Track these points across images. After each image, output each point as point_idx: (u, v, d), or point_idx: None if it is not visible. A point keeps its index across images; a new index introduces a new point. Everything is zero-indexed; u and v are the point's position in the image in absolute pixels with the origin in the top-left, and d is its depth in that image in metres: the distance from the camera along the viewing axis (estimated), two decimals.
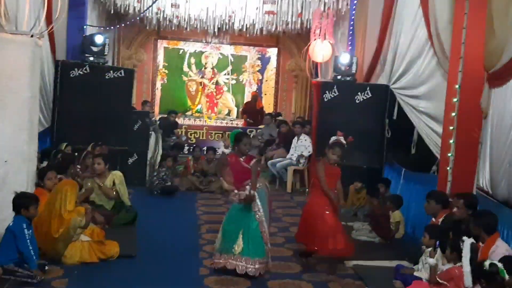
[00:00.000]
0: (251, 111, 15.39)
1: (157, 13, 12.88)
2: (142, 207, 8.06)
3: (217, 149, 11.79)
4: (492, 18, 5.43)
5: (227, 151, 5.96)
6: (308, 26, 12.51)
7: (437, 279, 4.78)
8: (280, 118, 13.95)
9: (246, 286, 5.48)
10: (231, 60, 16.32)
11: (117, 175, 7.47)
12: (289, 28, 13.08)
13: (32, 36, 6.02)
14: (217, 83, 16.37)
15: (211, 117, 16.14)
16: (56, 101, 9.26)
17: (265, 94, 16.42)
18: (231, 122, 15.97)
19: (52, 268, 5.48)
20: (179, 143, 12.58)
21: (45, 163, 7.31)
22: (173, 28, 13.98)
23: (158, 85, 16.11)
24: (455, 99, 6.18)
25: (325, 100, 9.70)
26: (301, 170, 10.88)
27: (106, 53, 9.88)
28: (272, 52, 16.39)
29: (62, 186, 5.91)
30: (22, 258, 5.19)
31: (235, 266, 5.69)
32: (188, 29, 13.70)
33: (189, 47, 16.15)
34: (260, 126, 13.99)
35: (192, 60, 16.21)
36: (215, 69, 16.36)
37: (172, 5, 12.64)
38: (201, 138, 14.27)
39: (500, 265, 4.05)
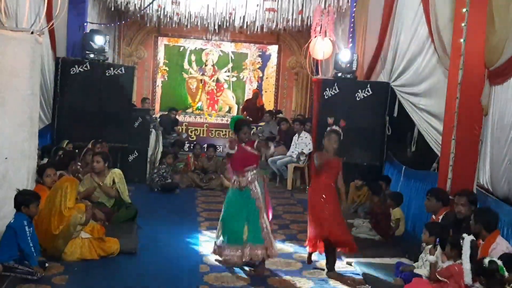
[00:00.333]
0: (252, 108, 15.36)
1: (157, 10, 12.85)
2: (142, 204, 8.07)
3: (217, 146, 11.78)
4: (492, 15, 5.43)
5: (232, 151, 5.93)
6: (309, 23, 12.48)
7: (437, 276, 4.78)
8: (280, 115, 13.95)
9: (246, 282, 5.49)
10: (231, 57, 16.29)
11: (116, 174, 7.47)
12: (290, 25, 13.04)
13: (32, 33, 6.01)
14: (217, 80, 16.35)
15: (212, 114, 16.12)
16: (57, 98, 9.28)
17: (266, 92, 16.40)
18: (233, 116, 15.93)
19: (52, 265, 5.50)
20: (179, 140, 12.58)
21: (45, 160, 7.32)
22: (173, 25, 13.95)
23: (159, 82, 16.10)
24: (455, 97, 6.17)
25: (326, 97, 9.71)
26: (301, 168, 10.88)
27: (106, 50, 9.89)
28: (273, 50, 16.37)
29: (62, 183, 5.91)
30: (22, 255, 5.19)
31: (242, 256, 5.73)
32: (188, 26, 13.67)
33: (190, 44, 16.12)
34: (260, 124, 13.98)
35: (193, 58, 16.18)
36: (215, 66, 16.33)
37: (172, 2, 12.61)
38: (201, 135, 14.26)
39: (499, 262, 4.05)
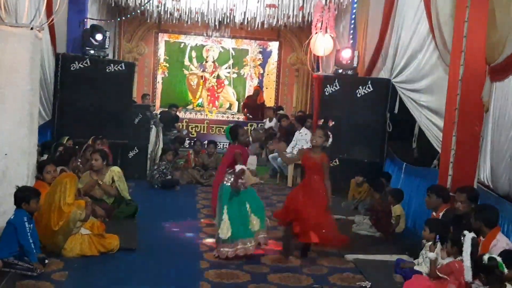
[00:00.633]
0: (252, 105, 15.36)
1: (158, 6, 12.85)
2: (142, 200, 8.06)
3: (218, 143, 11.77)
4: (494, 12, 5.41)
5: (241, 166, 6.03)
6: (310, 20, 12.48)
7: (437, 273, 4.77)
8: (281, 112, 13.95)
9: (246, 279, 5.48)
10: (232, 53, 16.28)
11: (115, 172, 7.46)
12: (291, 21, 13.04)
13: (32, 28, 6.00)
14: (218, 77, 16.34)
15: (212, 111, 16.12)
16: (57, 94, 9.26)
17: (266, 88, 16.39)
18: (232, 116, 15.94)
19: (52, 261, 5.48)
20: (180, 136, 12.58)
21: (45, 157, 7.31)
22: (174, 22, 13.95)
23: (159, 78, 16.09)
24: (456, 93, 6.15)
25: (326, 94, 9.71)
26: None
27: (106, 46, 9.87)
28: (273, 46, 16.35)
29: (61, 179, 5.90)
30: (22, 252, 5.19)
31: (250, 248, 5.96)
32: (189, 23, 13.67)
33: (190, 40, 16.11)
34: (264, 120, 14.00)
35: (193, 54, 16.17)
36: (216, 62, 16.32)
37: None
38: (202, 132, 14.26)
39: (499, 259, 4.04)
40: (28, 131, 6.03)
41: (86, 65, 9.39)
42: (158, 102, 15.84)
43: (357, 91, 9.41)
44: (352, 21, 11.02)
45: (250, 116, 14.98)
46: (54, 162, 6.71)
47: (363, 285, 5.46)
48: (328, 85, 9.66)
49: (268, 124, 13.31)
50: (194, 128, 14.32)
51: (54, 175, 6.32)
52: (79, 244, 5.78)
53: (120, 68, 9.71)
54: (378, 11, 9.45)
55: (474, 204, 5.35)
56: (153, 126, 10.83)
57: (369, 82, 9.42)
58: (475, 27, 5.85)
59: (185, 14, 13.13)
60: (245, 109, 15.36)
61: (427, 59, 7.57)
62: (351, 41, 10.92)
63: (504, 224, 5.20)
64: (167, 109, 13.77)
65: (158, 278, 5.44)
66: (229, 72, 16.35)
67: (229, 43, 16.22)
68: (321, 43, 11.49)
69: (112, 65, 9.69)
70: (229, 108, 16.36)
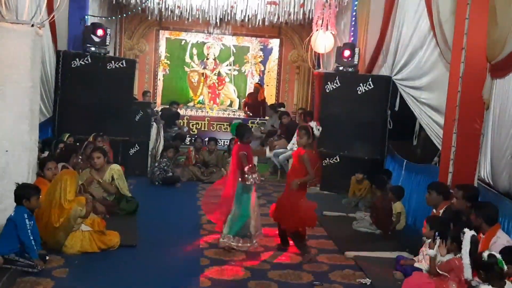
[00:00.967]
0: (253, 102, 15.34)
1: (159, 3, 12.84)
2: (143, 197, 8.07)
3: (218, 140, 11.76)
4: (495, 9, 5.40)
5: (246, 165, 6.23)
6: (311, 17, 12.45)
7: (437, 270, 4.78)
8: (282, 109, 13.94)
9: (246, 276, 5.49)
10: (233, 51, 16.26)
11: (115, 170, 7.47)
12: (291, 18, 13.01)
13: (33, 25, 6.00)
14: (219, 74, 16.32)
15: (213, 108, 16.10)
16: (58, 92, 9.26)
17: (267, 85, 16.37)
18: (233, 113, 15.93)
19: (53, 258, 5.50)
20: (180, 133, 12.58)
21: (46, 153, 7.32)
22: (175, 19, 13.92)
23: (160, 75, 16.07)
24: (457, 90, 6.15)
25: (327, 91, 9.71)
26: None
27: (107, 44, 9.86)
28: (274, 43, 16.32)
29: (61, 176, 5.91)
30: (23, 248, 5.20)
31: (247, 248, 6.25)
32: (190, 20, 13.65)
33: (191, 37, 16.09)
34: (266, 118, 13.99)
35: (194, 51, 16.15)
36: (217, 60, 16.30)
37: None
38: (202, 129, 14.25)
39: (498, 256, 4.04)
40: (29, 127, 6.03)
41: (87, 62, 9.39)
42: (159, 99, 15.83)
43: (357, 88, 9.40)
44: (353, 18, 11.00)
45: (250, 114, 14.97)
46: (55, 159, 6.72)
47: (363, 282, 5.47)
48: (329, 82, 9.66)
49: (269, 123, 13.26)
50: (195, 125, 14.31)
51: (55, 172, 6.33)
52: (79, 240, 5.80)
53: (121, 65, 9.71)
54: (379, 8, 9.44)
55: (470, 202, 5.32)
56: (154, 123, 10.82)
57: (370, 79, 9.41)
58: (476, 24, 5.85)
59: (186, 11, 13.11)
60: (246, 108, 15.35)
61: (428, 56, 7.57)
62: (352, 38, 10.90)
63: (504, 222, 5.20)
64: (168, 106, 13.76)
65: (159, 274, 5.45)
66: (230, 69, 16.34)
67: (230, 40, 16.20)
68: (322, 40, 11.47)
69: (113, 62, 9.68)
70: (230, 105, 16.34)
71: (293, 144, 10.89)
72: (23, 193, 5.28)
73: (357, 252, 6.27)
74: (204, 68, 16.23)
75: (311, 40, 11.76)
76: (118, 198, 7.40)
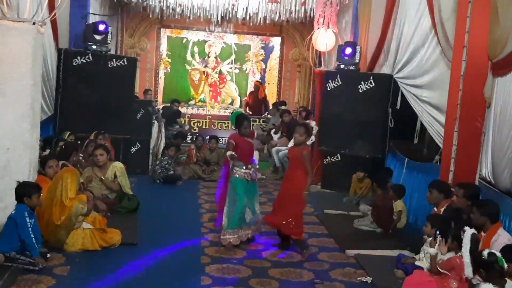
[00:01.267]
0: (254, 102, 15.34)
1: (160, 2, 12.84)
2: (144, 195, 8.08)
3: (219, 138, 11.77)
4: (496, 7, 5.39)
5: (232, 154, 6.22)
6: (312, 15, 12.44)
7: (438, 268, 4.78)
8: (283, 107, 13.94)
9: (247, 274, 5.50)
10: (234, 49, 16.27)
11: (117, 167, 7.47)
12: (293, 17, 13.01)
13: (34, 23, 6.00)
14: (220, 72, 16.33)
15: (214, 106, 16.11)
16: (59, 90, 9.26)
17: (268, 84, 16.37)
18: (234, 111, 15.93)
19: (54, 256, 5.51)
20: (182, 132, 12.58)
21: (47, 151, 7.32)
22: (176, 17, 13.94)
23: (161, 74, 16.08)
24: (458, 89, 6.14)
25: (328, 89, 9.70)
26: None
27: (109, 42, 9.87)
28: (276, 41, 16.33)
29: (62, 174, 5.91)
30: (24, 246, 5.20)
31: (245, 236, 6.31)
32: (191, 18, 13.65)
33: (193, 36, 16.09)
34: (269, 116, 13.99)
35: (196, 49, 16.16)
36: (218, 58, 16.31)
37: None
38: (204, 127, 14.26)
39: (498, 254, 4.04)
40: (30, 125, 6.03)
41: (88, 60, 9.39)
42: (160, 97, 15.84)
43: (359, 87, 9.39)
44: (354, 17, 10.98)
45: (250, 113, 14.97)
46: (56, 157, 6.72)
47: (364, 280, 5.48)
48: (330, 81, 9.66)
49: (271, 121, 13.27)
50: (196, 124, 14.33)
51: (56, 170, 6.33)
52: (81, 238, 5.80)
53: (122, 63, 9.72)
54: (380, 7, 9.42)
55: (471, 201, 5.31)
56: (155, 121, 10.83)
57: (371, 78, 9.39)
58: (478, 22, 5.83)
59: (187, 9, 13.12)
60: (247, 107, 15.34)
61: (429, 54, 7.55)
62: (353, 37, 10.89)
63: (505, 220, 5.20)
64: (169, 105, 13.77)
65: (159, 272, 5.46)
66: (231, 68, 16.34)
67: (231, 39, 16.20)
68: (323, 39, 11.46)
69: (114, 60, 9.68)
70: (231, 103, 16.35)
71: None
72: (24, 191, 5.28)
73: (358, 250, 6.27)
74: (205, 66, 16.24)
75: (312, 38, 11.76)
76: (119, 196, 7.40)
